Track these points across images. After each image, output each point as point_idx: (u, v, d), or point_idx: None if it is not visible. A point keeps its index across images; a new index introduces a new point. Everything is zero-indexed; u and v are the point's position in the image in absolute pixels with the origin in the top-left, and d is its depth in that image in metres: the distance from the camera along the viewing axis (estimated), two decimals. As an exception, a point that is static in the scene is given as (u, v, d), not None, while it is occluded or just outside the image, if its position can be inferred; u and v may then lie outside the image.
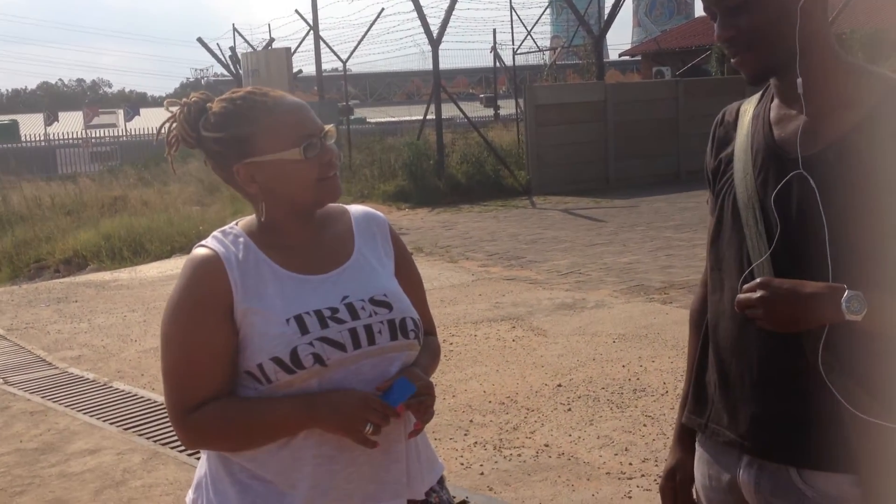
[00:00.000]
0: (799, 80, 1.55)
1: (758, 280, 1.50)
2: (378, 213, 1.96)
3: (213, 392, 1.69)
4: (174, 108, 1.80)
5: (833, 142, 1.54)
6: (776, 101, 1.66)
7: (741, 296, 1.51)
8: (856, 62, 1.60)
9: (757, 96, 1.74)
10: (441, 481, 1.90)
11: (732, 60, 1.60)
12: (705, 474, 1.78)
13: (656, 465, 4.20)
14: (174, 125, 1.80)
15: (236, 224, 1.83)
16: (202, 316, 1.69)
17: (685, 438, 1.87)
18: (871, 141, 1.51)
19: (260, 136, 1.72)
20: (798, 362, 1.54)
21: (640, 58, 36.64)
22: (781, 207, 1.57)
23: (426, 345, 1.88)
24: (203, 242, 1.78)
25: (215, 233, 1.80)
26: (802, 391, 1.55)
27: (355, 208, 1.94)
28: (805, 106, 1.57)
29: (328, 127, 1.78)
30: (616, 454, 4.42)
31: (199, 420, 1.69)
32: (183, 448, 4.78)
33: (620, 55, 39.68)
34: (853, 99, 1.56)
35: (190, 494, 1.85)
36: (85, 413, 5.62)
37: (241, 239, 1.77)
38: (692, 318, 1.90)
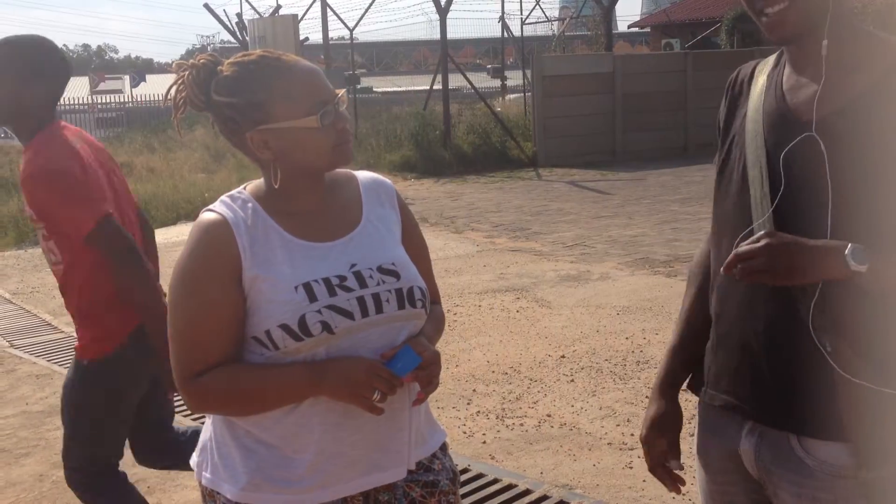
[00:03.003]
0: (825, 43, 1.54)
1: (762, 231, 1.49)
2: (385, 179, 1.95)
3: (220, 357, 1.69)
4: (183, 70, 1.78)
5: (842, 106, 1.54)
6: (789, 68, 1.66)
7: (743, 247, 1.48)
8: (866, 28, 1.60)
9: (772, 59, 1.73)
10: (444, 448, 1.91)
11: (769, 12, 1.54)
12: (706, 441, 1.78)
13: (658, 437, 4.22)
14: (183, 87, 1.78)
15: (244, 189, 1.81)
16: (210, 281, 1.68)
17: (667, 389, 1.86)
18: (881, 106, 1.51)
19: (275, 103, 1.70)
20: (799, 327, 1.54)
21: (649, 29, 36.39)
22: (788, 168, 1.57)
23: (431, 314, 1.87)
24: (211, 207, 1.76)
25: (223, 197, 1.78)
26: (803, 357, 1.55)
27: (363, 174, 1.93)
28: (825, 70, 1.56)
29: (340, 92, 1.76)
30: (618, 425, 4.44)
31: (206, 385, 1.69)
32: (188, 413, 4.81)
33: (630, 27, 39.46)
34: (864, 64, 1.56)
35: (194, 458, 1.86)
36: (90, 377, 5.64)
37: (250, 204, 1.75)
38: (690, 274, 1.89)
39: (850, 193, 1.50)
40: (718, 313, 1.71)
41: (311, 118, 1.69)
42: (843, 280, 1.46)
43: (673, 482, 1.85)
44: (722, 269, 1.52)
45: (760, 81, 1.70)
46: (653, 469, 1.87)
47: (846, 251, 1.44)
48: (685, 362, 1.85)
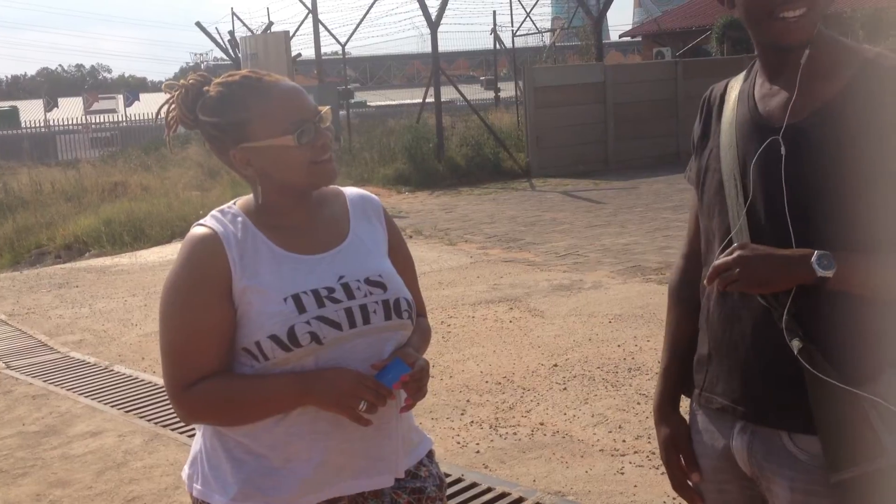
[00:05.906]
0: (807, 52, 1.59)
1: (735, 245, 1.58)
2: (372, 195, 2.00)
3: (211, 368, 1.73)
4: (173, 91, 1.84)
5: (812, 112, 1.60)
6: (760, 78, 1.72)
7: (719, 260, 1.57)
8: (834, 35, 1.65)
9: (743, 75, 1.79)
10: (430, 455, 1.95)
11: (788, 16, 1.56)
12: (699, 442, 1.83)
13: (649, 442, 4.26)
14: (173, 107, 1.84)
15: (234, 203, 1.86)
16: (201, 294, 1.73)
17: (668, 409, 1.91)
18: (848, 111, 1.56)
19: (254, 122, 1.75)
20: (778, 331, 1.59)
21: (640, 39, 36.51)
22: (761, 177, 1.62)
23: (417, 326, 1.91)
24: (202, 221, 1.81)
25: (214, 212, 1.83)
26: (786, 358, 1.59)
27: (350, 190, 1.98)
28: (800, 77, 1.61)
29: (324, 109, 1.81)
30: (610, 431, 4.48)
31: (197, 396, 1.73)
32: (183, 430, 4.84)
33: (621, 36, 39.55)
34: (832, 72, 1.61)
35: (186, 469, 1.90)
36: (86, 396, 5.67)
37: (240, 218, 1.80)
38: (671, 292, 1.94)
39: (813, 198, 1.56)
40: (711, 320, 1.76)
41: (288, 137, 1.75)
42: (814, 285, 1.52)
43: (696, 500, 1.88)
44: (705, 281, 1.62)
45: (733, 96, 1.76)
46: (676, 488, 1.90)
47: (812, 258, 1.51)
48: (679, 380, 1.90)
